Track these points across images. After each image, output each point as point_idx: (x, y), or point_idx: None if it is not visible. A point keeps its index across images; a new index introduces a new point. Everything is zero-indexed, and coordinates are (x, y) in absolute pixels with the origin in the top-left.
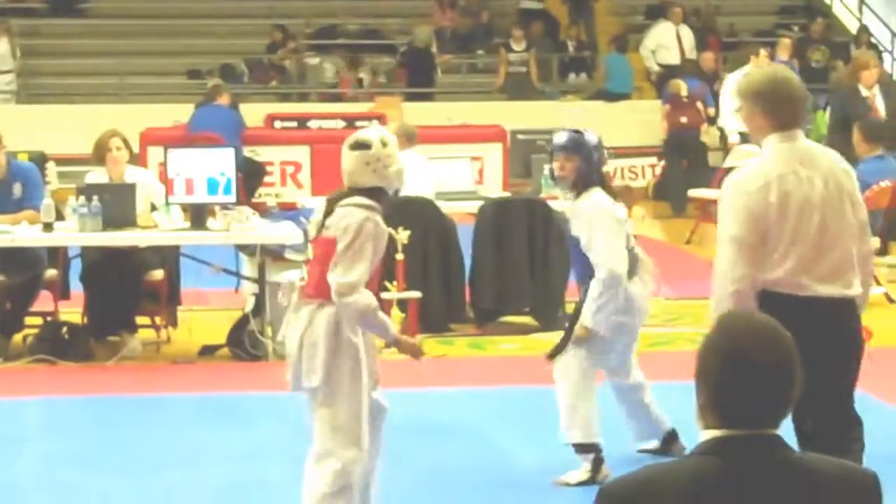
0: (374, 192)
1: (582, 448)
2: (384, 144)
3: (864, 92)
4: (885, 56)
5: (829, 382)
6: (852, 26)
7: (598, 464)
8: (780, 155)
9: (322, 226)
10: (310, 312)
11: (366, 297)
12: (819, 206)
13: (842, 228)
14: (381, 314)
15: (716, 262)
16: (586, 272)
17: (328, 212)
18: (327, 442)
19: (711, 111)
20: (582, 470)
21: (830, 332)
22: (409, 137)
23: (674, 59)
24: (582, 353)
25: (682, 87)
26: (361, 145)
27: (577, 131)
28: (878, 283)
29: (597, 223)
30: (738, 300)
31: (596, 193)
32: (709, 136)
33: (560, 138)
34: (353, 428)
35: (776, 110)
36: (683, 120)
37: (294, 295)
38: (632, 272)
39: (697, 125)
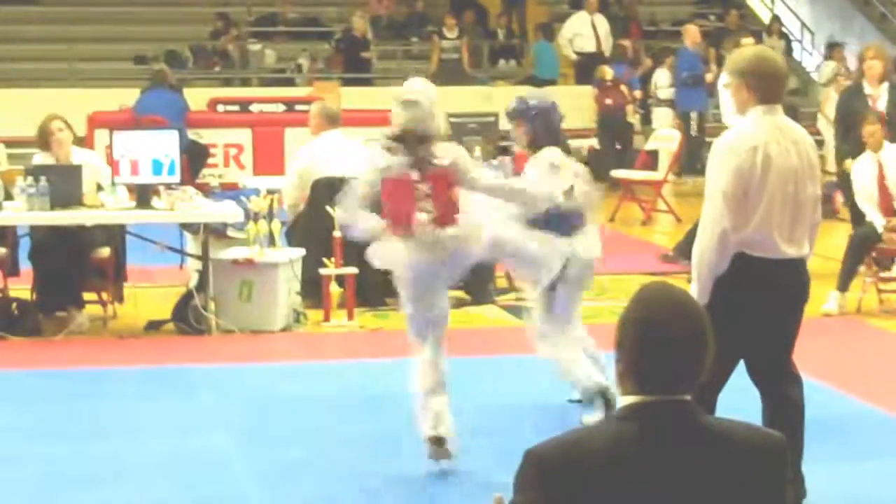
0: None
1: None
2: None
3: (868, 89)
4: (795, 45)
5: (787, 334)
6: (765, 16)
7: (609, 401)
8: (764, 125)
9: (426, 164)
10: (462, 228)
11: None
12: (793, 174)
13: (807, 197)
14: None
15: (703, 214)
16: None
17: (416, 154)
18: None
19: (638, 94)
20: (597, 411)
21: (794, 288)
22: (332, 119)
23: (590, 46)
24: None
25: (606, 71)
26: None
27: (520, 99)
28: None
29: (533, 166)
30: (723, 245)
31: (546, 150)
32: (636, 118)
33: (508, 107)
34: None
35: (760, 85)
36: (608, 102)
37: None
38: (577, 227)
39: (622, 106)
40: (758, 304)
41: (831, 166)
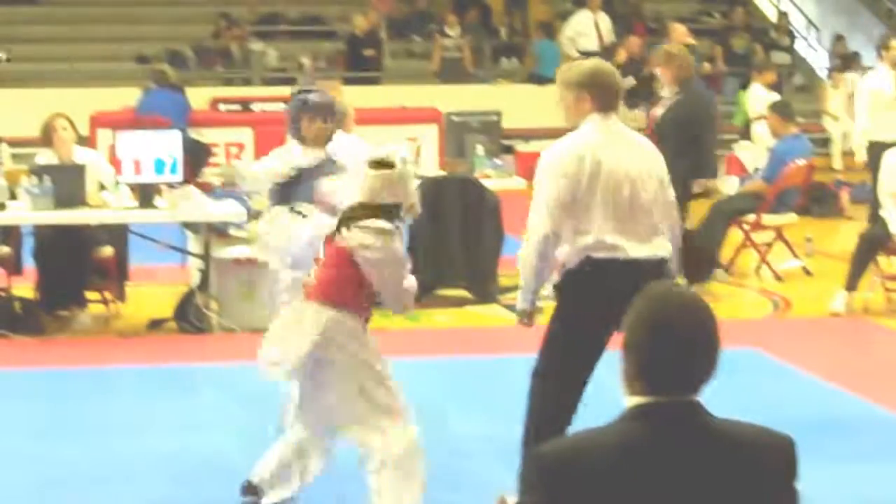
0: (391, 209)
1: None
2: (405, 163)
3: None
4: (801, 41)
5: None
6: (771, 13)
7: None
8: (599, 132)
9: (337, 232)
10: (313, 313)
11: None
12: (627, 178)
13: (650, 201)
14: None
15: (528, 221)
16: None
17: (345, 223)
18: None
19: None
20: None
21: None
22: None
23: (592, 45)
24: None
25: None
26: (384, 164)
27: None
28: (796, 257)
29: None
30: (544, 250)
31: None
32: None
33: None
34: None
35: (599, 95)
36: None
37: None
38: None
39: None
40: (605, 304)
41: (837, 164)
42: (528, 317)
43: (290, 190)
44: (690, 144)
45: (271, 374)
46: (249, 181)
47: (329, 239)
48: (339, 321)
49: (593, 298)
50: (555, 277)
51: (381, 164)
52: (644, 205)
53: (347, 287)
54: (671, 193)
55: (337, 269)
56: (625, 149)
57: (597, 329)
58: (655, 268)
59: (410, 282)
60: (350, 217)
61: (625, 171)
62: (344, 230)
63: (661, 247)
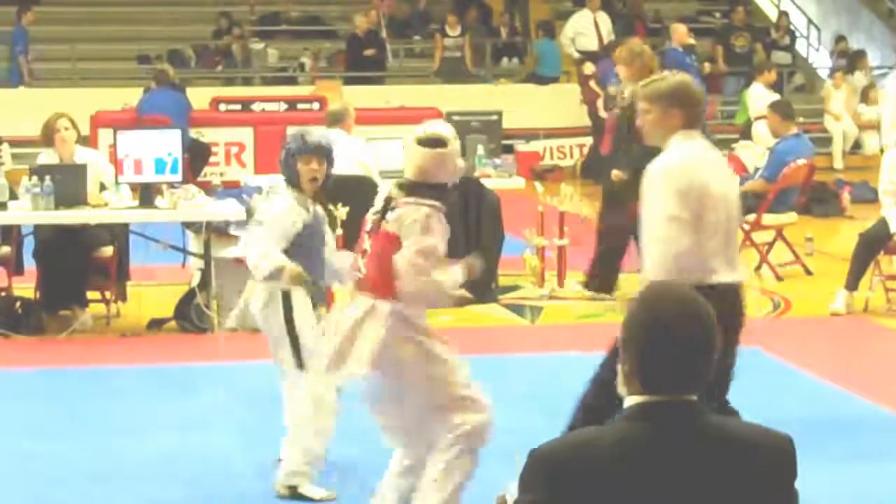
0: (439, 188)
1: None
2: (455, 140)
3: None
4: (801, 41)
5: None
6: (771, 12)
7: None
8: (695, 149)
9: (382, 219)
10: (365, 307)
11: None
12: (726, 196)
13: (736, 218)
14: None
15: (653, 242)
16: None
17: (388, 206)
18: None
19: (612, 90)
20: None
21: (733, 317)
22: (332, 119)
23: (592, 45)
24: None
25: (584, 66)
26: (438, 142)
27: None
28: (797, 257)
29: None
30: (680, 267)
31: None
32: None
33: (317, 138)
34: None
35: (688, 112)
36: (580, 98)
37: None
38: None
39: (592, 102)
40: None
41: (838, 164)
42: None
43: None
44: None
45: (344, 380)
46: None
47: (373, 227)
48: (400, 315)
49: None
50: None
51: (433, 142)
52: (734, 226)
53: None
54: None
55: (388, 257)
56: (718, 168)
57: None
58: (740, 292)
59: (444, 277)
60: (395, 197)
61: (723, 192)
62: (389, 214)
63: (740, 270)
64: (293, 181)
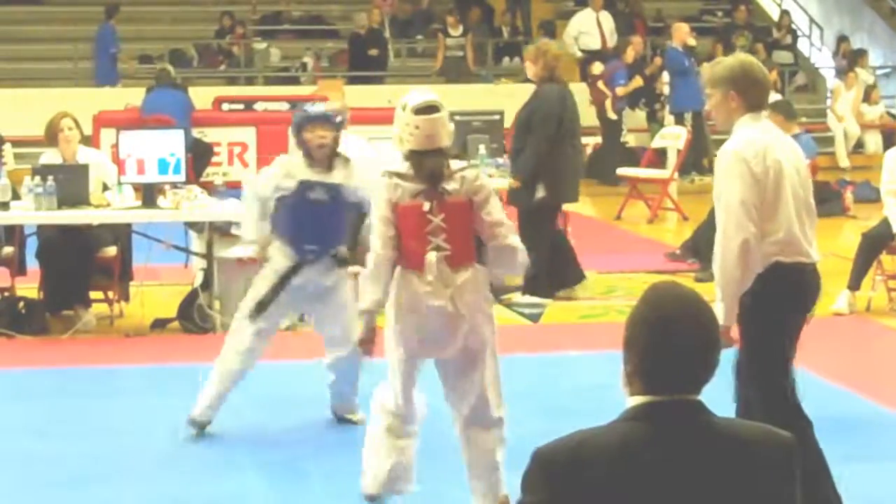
0: (448, 151)
1: None
2: (443, 105)
3: None
4: (804, 40)
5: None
6: (773, 12)
7: None
8: (764, 130)
9: (442, 193)
10: (472, 277)
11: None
12: (797, 175)
13: (810, 199)
14: None
15: (719, 228)
16: None
17: (437, 178)
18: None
19: (620, 90)
20: None
21: (817, 293)
22: None
23: (595, 44)
24: None
25: (593, 67)
26: (432, 108)
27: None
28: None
29: None
30: (745, 257)
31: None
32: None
33: (319, 108)
34: None
35: (749, 93)
36: (589, 99)
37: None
38: None
39: (600, 102)
40: (797, 311)
41: (844, 163)
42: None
43: None
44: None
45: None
46: None
47: (418, 205)
48: (478, 279)
49: (785, 304)
50: None
51: (428, 108)
52: (810, 206)
53: (473, 241)
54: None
55: (466, 225)
56: (788, 148)
57: (789, 334)
58: (818, 272)
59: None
60: (438, 169)
61: (797, 171)
62: (445, 185)
63: (816, 250)
64: (307, 152)
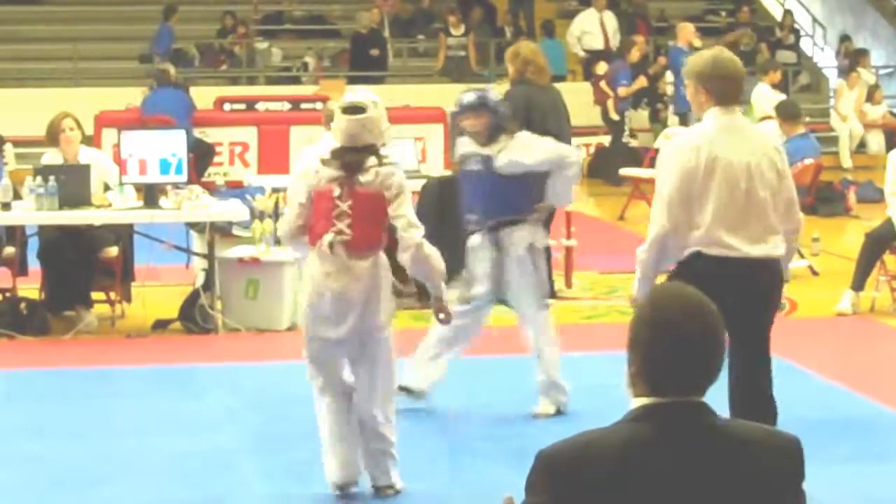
0: (373, 148)
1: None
2: (375, 106)
3: None
4: (807, 40)
5: (752, 332)
6: (776, 11)
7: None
8: (715, 125)
9: (354, 182)
10: (371, 265)
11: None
12: (746, 173)
13: (767, 198)
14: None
15: (651, 211)
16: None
17: (353, 169)
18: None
19: (622, 91)
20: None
21: (753, 288)
22: (329, 119)
23: (598, 44)
24: None
25: (597, 67)
26: (357, 109)
27: (481, 91)
28: (802, 257)
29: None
30: (660, 244)
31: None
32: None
33: (468, 98)
34: None
35: (716, 87)
36: (593, 99)
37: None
38: None
39: (602, 103)
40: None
41: (847, 163)
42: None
43: None
44: None
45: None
46: None
47: (330, 189)
48: (378, 267)
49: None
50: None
51: (354, 109)
52: (760, 202)
53: (383, 231)
54: (791, 189)
55: (374, 216)
56: (744, 143)
57: None
58: (768, 268)
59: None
60: (355, 162)
61: (743, 167)
62: (360, 177)
63: (776, 246)
64: None
